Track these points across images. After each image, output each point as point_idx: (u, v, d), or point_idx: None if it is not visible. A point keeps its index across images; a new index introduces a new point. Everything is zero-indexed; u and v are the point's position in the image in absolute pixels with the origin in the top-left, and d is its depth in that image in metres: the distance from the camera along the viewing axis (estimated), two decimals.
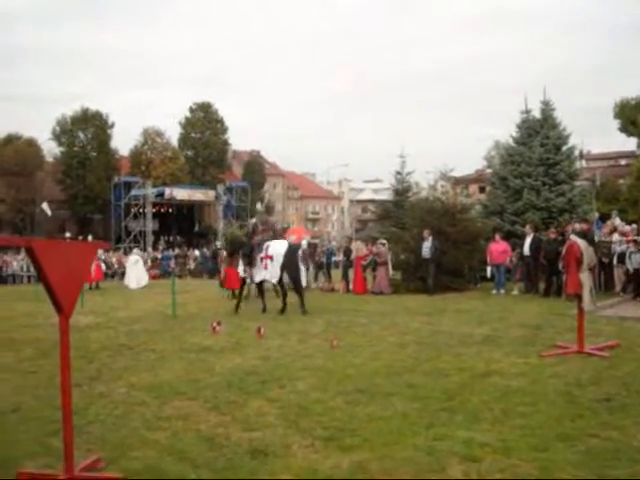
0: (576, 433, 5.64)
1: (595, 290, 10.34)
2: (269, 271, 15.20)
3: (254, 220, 18.53)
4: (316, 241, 30.77)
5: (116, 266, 36.55)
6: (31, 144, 53.85)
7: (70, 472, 4.82)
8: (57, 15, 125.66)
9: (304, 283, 16.88)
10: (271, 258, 15.12)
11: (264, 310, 15.44)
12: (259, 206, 26.86)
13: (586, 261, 9.52)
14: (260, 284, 15.90)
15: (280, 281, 15.46)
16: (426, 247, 19.10)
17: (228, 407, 6.77)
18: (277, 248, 15.17)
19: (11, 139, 53.87)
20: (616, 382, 7.46)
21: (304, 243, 23.91)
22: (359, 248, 22.01)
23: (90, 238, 34.79)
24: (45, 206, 37.42)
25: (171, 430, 6.01)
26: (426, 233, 19.22)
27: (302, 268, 15.54)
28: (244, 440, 5.67)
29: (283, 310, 15.01)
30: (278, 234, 18.57)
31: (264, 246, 15.44)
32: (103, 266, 32.19)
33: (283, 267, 15.02)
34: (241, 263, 16.73)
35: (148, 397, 7.29)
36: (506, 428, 5.82)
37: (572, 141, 24.47)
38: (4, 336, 12.49)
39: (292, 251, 15.25)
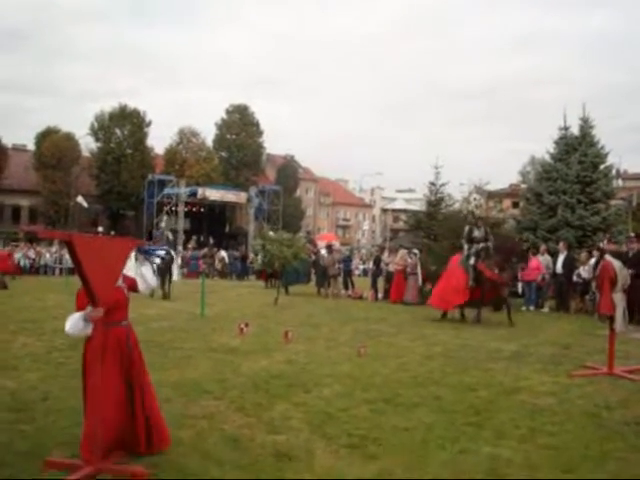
0: (604, 455, 5.56)
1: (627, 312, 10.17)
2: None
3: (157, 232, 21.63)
4: (342, 248, 30.72)
5: None
6: (69, 138, 54.44)
7: (96, 462, 4.86)
8: (100, 14, 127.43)
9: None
10: None
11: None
12: (163, 224, 29.70)
13: (620, 282, 9.40)
14: None
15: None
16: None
17: (253, 409, 6.79)
18: None
19: (50, 132, 54.53)
20: None
21: (323, 252, 23.86)
22: (403, 256, 21.73)
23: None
24: (80, 199, 37.94)
25: (196, 429, 6.03)
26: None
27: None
28: (268, 442, 5.68)
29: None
30: (171, 244, 22.23)
31: None
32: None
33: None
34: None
35: (174, 394, 7.33)
36: (532, 446, 5.76)
37: (609, 159, 24.19)
38: (35, 326, 12.66)
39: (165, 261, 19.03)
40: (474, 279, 15.11)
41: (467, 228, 16.08)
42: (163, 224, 29.49)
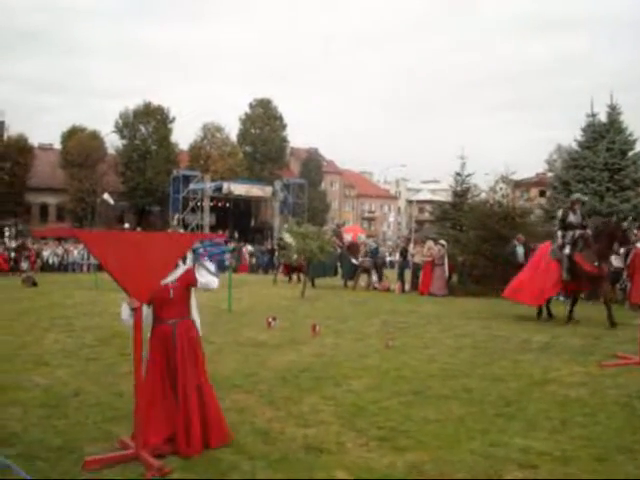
0: (637, 446, 5.50)
1: None
2: None
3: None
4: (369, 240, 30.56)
5: None
6: (94, 136, 54.88)
7: (138, 449, 5.02)
8: (121, 11, 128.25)
9: None
10: None
11: None
12: (174, 221, 31.04)
13: None
14: None
15: None
16: (520, 252, 18.26)
17: (283, 402, 6.81)
18: None
19: (75, 131, 55.00)
20: None
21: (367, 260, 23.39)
22: (430, 247, 21.48)
23: None
24: (107, 196, 38.28)
25: (227, 423, 6.05)
26: (521, 239, 18.41)
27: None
28: (299, 435, 5.70)
29: None
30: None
31: None
32: None
33: None
34: None
35: None
36: (564, 438, 5.71)
37: (638, 146, 23.91)
38: (65, 323, 12.79)
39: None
40: (568, 271, 13.08)
41: (561, 212, 14.04)
42: (174, 222, 30.08)
